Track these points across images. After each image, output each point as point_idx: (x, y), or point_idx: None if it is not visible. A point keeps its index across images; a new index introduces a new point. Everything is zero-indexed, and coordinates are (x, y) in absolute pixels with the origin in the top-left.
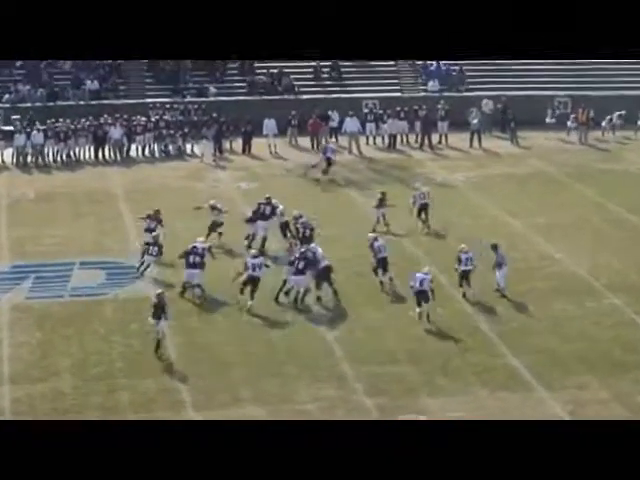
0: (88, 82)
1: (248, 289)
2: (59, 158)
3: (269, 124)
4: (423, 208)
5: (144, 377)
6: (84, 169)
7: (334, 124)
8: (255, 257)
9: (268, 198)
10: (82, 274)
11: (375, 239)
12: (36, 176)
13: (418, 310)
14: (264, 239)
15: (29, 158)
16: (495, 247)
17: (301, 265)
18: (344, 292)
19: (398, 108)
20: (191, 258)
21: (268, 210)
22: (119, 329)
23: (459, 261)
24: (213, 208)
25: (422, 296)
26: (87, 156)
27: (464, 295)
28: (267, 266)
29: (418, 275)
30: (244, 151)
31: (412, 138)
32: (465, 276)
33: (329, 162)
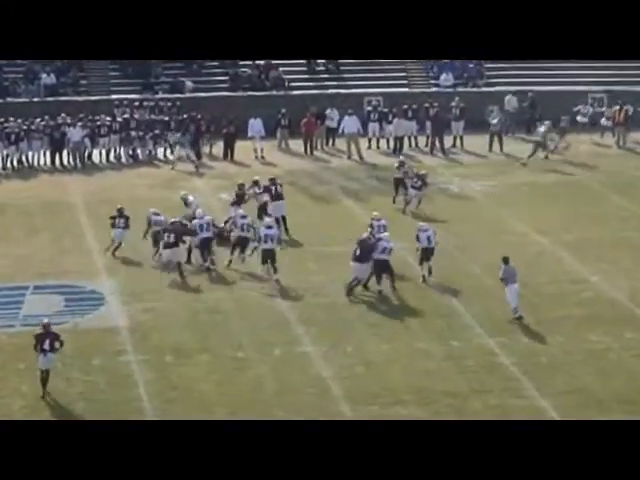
0: (44, 76)
1: (268, 263)
2: (9, 164)
3: (255, 124)
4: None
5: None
6: (39, 177)
7: (333, 124)
8: (269, 227)
9: (272, 179)
10: (36, 300)
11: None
12: None
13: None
14: (284, 218)
15: None
16: (506, 260)
17: (358, 252)
18: (343, 321)
19: (405, 106)
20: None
21: (280, 189)
22: (79, 364)
23: (418, 239)
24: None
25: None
26: (42, 161)
27: (424, 278)
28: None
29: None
30: (225, 156)
31: (422, 141)
32: (426, 255)
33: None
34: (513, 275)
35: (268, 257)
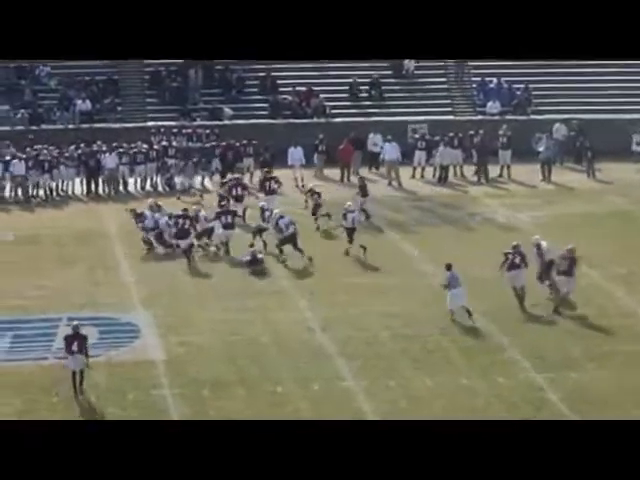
0: (79, 102)
1: (290, 246)
2: (43, 192)
3: (295, 153)
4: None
5: None
6: (73, 205)
7: (376, 149)
8: (282, 217)
9: (268, 171)
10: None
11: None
12: (16, 214)
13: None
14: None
15: (7, 192)
16: (449, 267)
17: (517, 260)
18: (387, 355)
19: (451, 134)
20: (223, 218)
21: (274, 185)
22: (114, 398)
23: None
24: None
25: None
26: (77, 190)
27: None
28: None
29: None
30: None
31: (468, 170)
32: (349, 234)
33: None
34: (456, 280)
35: (291, 242)
